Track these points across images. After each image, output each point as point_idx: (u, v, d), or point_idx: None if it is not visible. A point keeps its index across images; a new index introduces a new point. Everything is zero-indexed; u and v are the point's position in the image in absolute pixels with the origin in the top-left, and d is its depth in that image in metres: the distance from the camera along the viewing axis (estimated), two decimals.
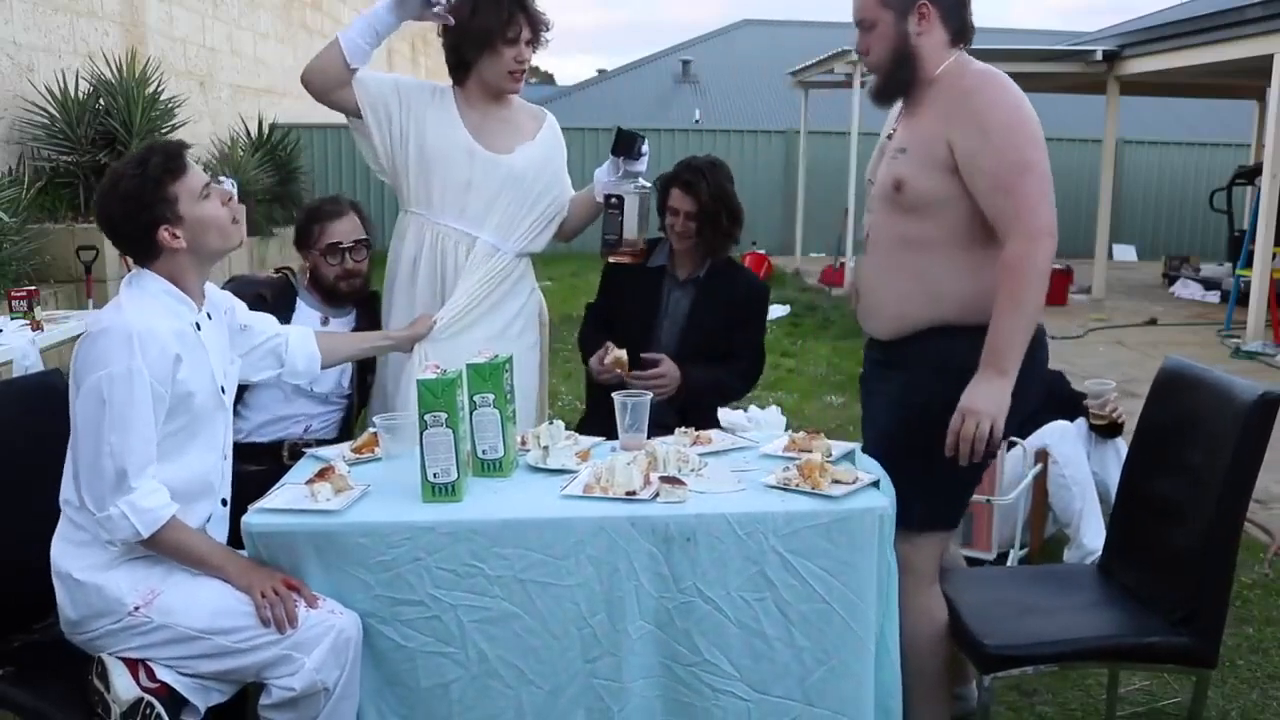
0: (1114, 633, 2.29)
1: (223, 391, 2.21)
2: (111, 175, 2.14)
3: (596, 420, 2.90)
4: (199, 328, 2.17)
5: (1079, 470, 3.55)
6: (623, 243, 2.86)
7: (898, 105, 2.43)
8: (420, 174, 2.82)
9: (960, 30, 2.31)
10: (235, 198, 2.23)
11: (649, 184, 2.93)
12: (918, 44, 2.28)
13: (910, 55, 2.29)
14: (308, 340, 2.56)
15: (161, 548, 2.04)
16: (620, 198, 2.83)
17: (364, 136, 2.84)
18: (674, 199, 3.12)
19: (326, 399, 2.95)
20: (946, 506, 2.38)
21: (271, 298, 2.87)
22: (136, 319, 2.04)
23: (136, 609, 2.02)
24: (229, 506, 2.25)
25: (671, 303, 3.18)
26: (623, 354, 2.90)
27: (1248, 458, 2.14)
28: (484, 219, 2.84)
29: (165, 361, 2.04)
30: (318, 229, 2.94)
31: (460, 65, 2.81)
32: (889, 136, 2.41)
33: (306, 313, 2.96)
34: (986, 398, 2.14)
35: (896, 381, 2.35)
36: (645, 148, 2.87)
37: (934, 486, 2.30)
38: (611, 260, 2.97)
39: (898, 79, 2.33)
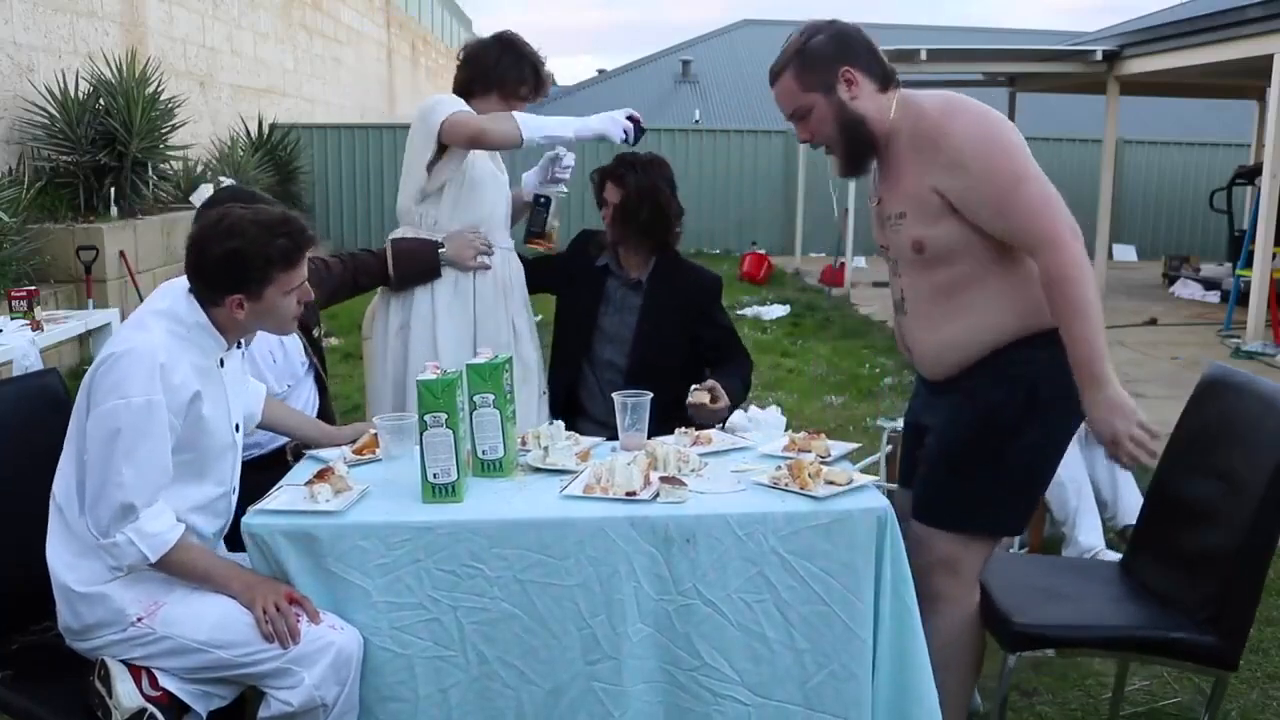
0: (1139, 624, 2.30)
1: (236, 429, 2.20)
2: (234, 221, 2.06)
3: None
4: (222, 364, 2.16)
5: (1074, 468, 3.56)
6: (544, 234, 3.27)
7: (872, 171, 2.41)
8: (483, 200, 3.07)
9: (884, 75, 2.28)
10: (310, 295, 2.21)
11: (566, 190, 3.31)
12: (857, 108, 2.26)
13: (857, 122, 2.26)
14: (257, 398, 2.48)
15: (169, 568, 2.03)
16: (548, 198, 3.25)
17: (441, 175, 2.99)
18: (606, 191, 3.18)
19: (294, 389, 2.90)
20: (1010, 513, 2.36)
21: None
22: (163, 347, 2.01)
23: (139, 620, 2.01)
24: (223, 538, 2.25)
25: (619, 298, 3.23)
26: (704, 397, 2.85)
27: None
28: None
29: (183, 394, 2.02)
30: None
31: (463, 95, 3.04)
32: (877, 203, 2.39)
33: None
34: (1110, 410, 2.09)
35: (952, 397, 2.33)
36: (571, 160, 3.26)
37: (999, 492, 2.29)
38: (532, 246, 3.32)
39: (858, 148, 2.31)
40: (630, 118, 2.96)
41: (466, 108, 2.93)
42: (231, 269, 2.06)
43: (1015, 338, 2.24)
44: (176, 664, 2.02)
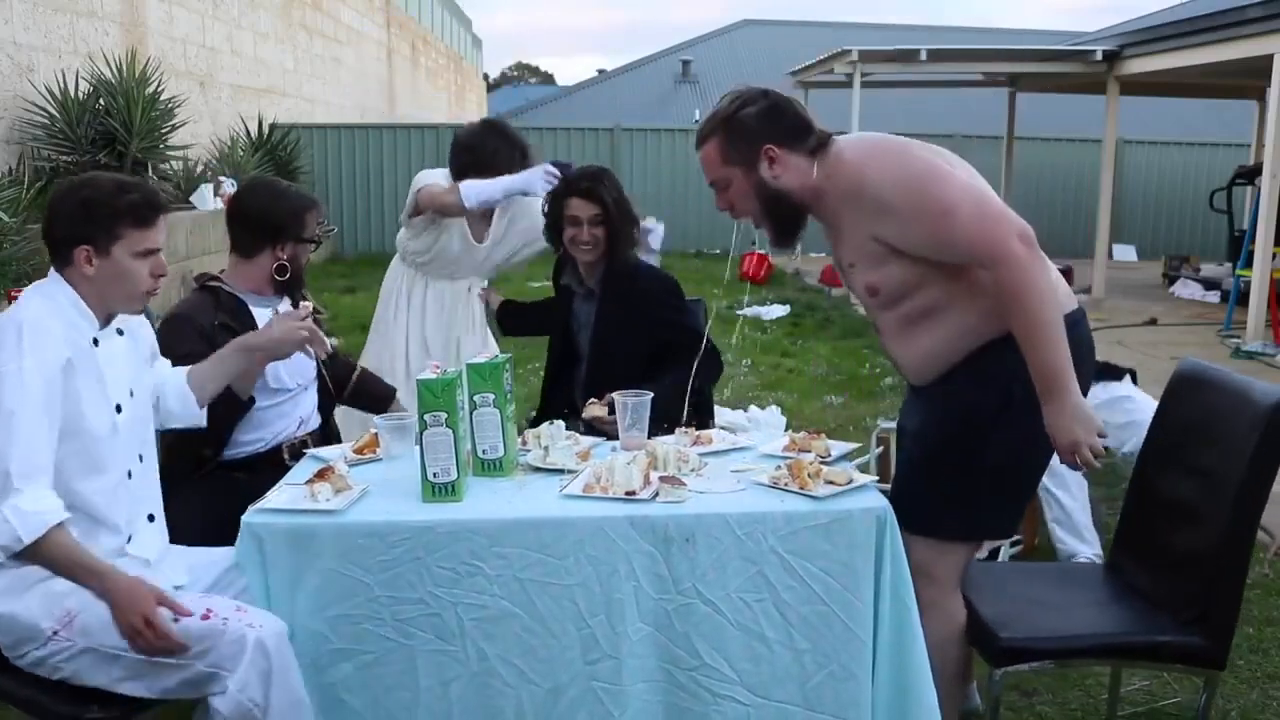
0: (1124, 630, 2.29)
1: (118, 410, 2.10)
2: (87, 177, 2.10)
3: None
4: (96, 344, 2.09)
5: (1057, 476, 3.54)
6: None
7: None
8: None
9: (814, 142, 2.24)
10: (164, 275, 2.15)
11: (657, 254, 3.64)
12: (780, 185, 2.23)
13: (779, 197, 2.24)
14: (178, 381, 2.38)
15: (37, 557, 1.89)
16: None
17: (414, 224, 3.62)
18: (574, 208, 3.10)
19: (306, 390, 2.91)
20: (985, 515, 2.34)
21: (236, 324, 2.67)
22: (29, 317, 1.97)
23: (55, 633, 1.93)
24: (155, 521, 2.20)
25: (584, 313, 3.21)
26: (601, 411, 2.84)
27: (1266, 460, 2.14)
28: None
29: (56, 362, 1.96)
30: (312, 215, 2.84)
31: (461, 178, 3.49)
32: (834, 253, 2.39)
33: (264, 315, 2.75)
34: (1074, 419, 2.08)
35: (928, 399, 2.32)
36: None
37: (970, 494, 2.28)
38: None
39: (784, 221, 2.29)
40: (551, 171, 3.27)
41: (443, 184, 3.51)
42: (79, 216, 2.03)
43: (992, 339, 2.22)
44: (103, 677, 1.94)
